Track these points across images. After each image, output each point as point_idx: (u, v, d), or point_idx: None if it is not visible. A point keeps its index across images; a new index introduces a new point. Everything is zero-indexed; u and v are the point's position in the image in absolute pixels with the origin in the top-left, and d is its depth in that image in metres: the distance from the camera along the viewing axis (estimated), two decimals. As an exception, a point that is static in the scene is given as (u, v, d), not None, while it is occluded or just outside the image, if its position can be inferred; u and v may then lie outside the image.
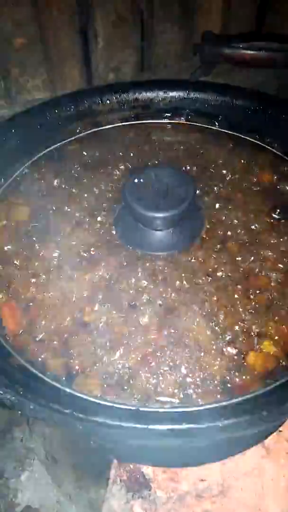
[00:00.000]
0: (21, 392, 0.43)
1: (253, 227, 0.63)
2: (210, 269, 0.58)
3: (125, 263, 0.59)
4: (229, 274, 0.58)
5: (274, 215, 0.64)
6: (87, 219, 0.65)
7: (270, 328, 0.53)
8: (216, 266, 0.58)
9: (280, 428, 0.76)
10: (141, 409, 0.46)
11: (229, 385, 0.49)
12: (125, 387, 0.49)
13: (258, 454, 0.73)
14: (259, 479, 0.72)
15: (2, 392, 0.43)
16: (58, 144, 0.76)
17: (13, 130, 0.72)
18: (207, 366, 0.50)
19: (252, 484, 0.72)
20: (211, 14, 1.06)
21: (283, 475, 0.73)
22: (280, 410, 0.41)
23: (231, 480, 0.71)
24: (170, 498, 0.69)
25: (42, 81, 0.99)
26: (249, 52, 0.82)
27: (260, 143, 0.76)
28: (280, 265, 0.59)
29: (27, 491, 0.86)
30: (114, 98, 0.79)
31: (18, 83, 0.97)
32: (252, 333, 0.53)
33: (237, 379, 0.49)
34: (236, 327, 0.53)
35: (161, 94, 0.80)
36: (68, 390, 0.48)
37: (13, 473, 0.88)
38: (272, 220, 0.64)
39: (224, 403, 0.46)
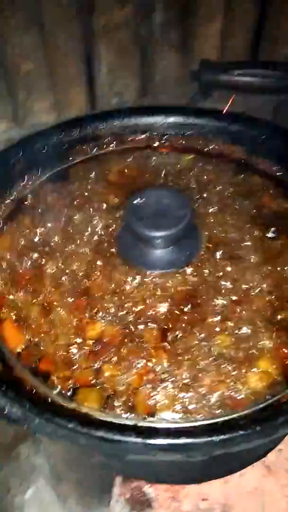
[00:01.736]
0: (27, 407, 0.44)
1: (249, 245, 0.64)
2: (208, 287, 0.60)
3: (125, 280, 0.61)
4: (227, 292, 0.59)
5: (268, 234, 0.66)
6: (89, 238, 0.67)
7: (268, 346, 0.55)
8: (214, 283, 0.60)
9: (281, 447, 0.75)
10: (141, 424, 0.47)
11: (227, 402, 0.50)
12: (126, 402, 0.50)
13: (259, 473, 0.73)
14: (260, 498, 0.72)
15: (9, 407, 0.44)
16: (62, 166, 0.79)
17: (20, 153, 0.75)
18: (206, 383, 0.51)
19: (254, 504, 0.71)
20: (209, 41, 1.10)
21: (285, 495, 0.73)
22: (273, 425, 0.43)
23: (233, 499, 0.71)
24: (172, 518, 0.69)
25: (49, 104, 1.03)
26: (244, 78, 0.86)
27: (255, 166, 0.78)
28: (276, 282, 0.60)
29: (32, 508, 0.85)
30: (116, 122, 0.83)
31: (25, 106, 1.01)
32: (250, 351, 0.54)
33: (234, 396, 0.50)
34: (234, 345, 0.54)
35: (160, 119, 0.83)
36: (71, 405, 0.49)
37: (19, 490, 0.88)
38: (267, 238, 0.65)
39: (222, 419, 0.47)
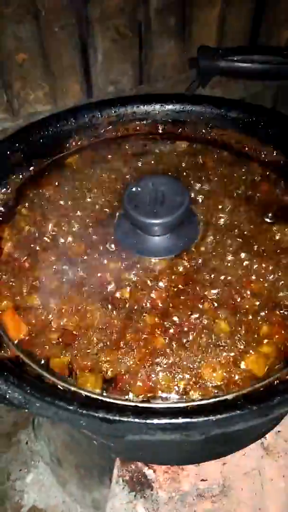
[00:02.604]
0: (28, 391, 0.46)
1: (246, 230, 0.65)
2: (205, 272, 0.61)
3: (124, 267, 0.61)
4: (224, 277, 0.60)
5: (266, 219, 0.67)
6: (88, 226, 0.67)
7: (265, 329, 0.56)
8: (211, 269, 0.61)
9: (279, 429, 0.77)
10: (140, 405, 0.49)
11: (224, 383, 0.51)
12: (126, 385, 0.51)
13: (257, 454, 0.75)
14: (258, 479, 0.74)
15: (11, 392, 0.45)
16: (60, 155, 0.80)
17: (16, 144, 0.75)
18: (204, 365, 0.53)
19: (252, 484, 0.73)
20: (207, 27, 1.09)
21: (282, 475, 0.75)
22: (268, 405, 0.44)
23: (231, 480, 0.72)
24: (171, 498, 0.71)
25: (44, 94, 1.02)
26: (243, 65, 0.85)
27: (253, 152, 0.79)
28: (274, 267, 0.61)
29: (33, 492, 0.88)
30: (113, 111, 0.83)
31: (20, 96, 1.00)
32: (248, 334, 0.55)
33: (231, 377, 0.51)
34: (233, 328, 0.56)
35: (158, 107, 0.84)
36: (72, 388, 0.50)
37: (19, 475, 0.90)
38: (264, 224, 0.66)
39: (219, 399, 0.48)
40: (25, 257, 0.64)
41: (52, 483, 0.88)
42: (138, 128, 0.84)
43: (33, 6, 0.89)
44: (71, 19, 0.94)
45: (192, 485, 0.71)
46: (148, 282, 0.60)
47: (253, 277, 0.60)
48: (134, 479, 0.71)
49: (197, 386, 0.51)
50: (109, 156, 0.79)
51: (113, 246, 0.64)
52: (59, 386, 0.50)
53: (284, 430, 0.77)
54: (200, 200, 0.70)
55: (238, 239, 0.64)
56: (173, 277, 0.60)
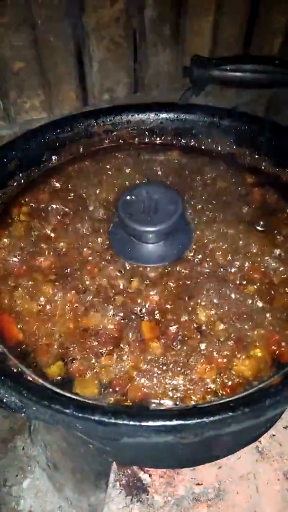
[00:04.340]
0: (25, 395, 0.46)
1: (237, 238, 0.66)
2: (198, 279, 0.62)
3: (119, 274, 0.63)
4: (217, 283, 0.61)
5: (257, 227, 0.68)
6: (83, 234, 0.68)
7: (257, 334, 0.57)
8: (204, 275, 0.62)
9: (273, 432, 0.78)
10: (135, 407, 0.49)
11: (217, 386, 0.52)
12: (122, 388, 0.52)
13: (252, 458, 0.75)
14: (254, 482, 0.74)
15: (8, 395, 0.46)
16: (55, 163, 0.81)
17: (13, 152, 0.76)
18: (198, 369, 0.54)
19: (247, 488, 0.74)
20: (201, 36, 1.11)
21: (277, 479, 0.75)
22: (260, 407, 0.45)
23: (226, 484, 0.73)
24: (167, 502, 0.71)
25: (40, 102, 1.03)
26: (235, 74, 0.87)
27: (244, 161, 0.80)
28: (264, 273, 0.62)
29: (29, 498, 0.88)
30: (108, 120, 0.84)
31: (17, 104, 1.01)
32: (241, 339, 0.56)
33: (225, 381, 0.52)
34: (226, 332, 0.57)
35: (152, 116, 0.85)
36: (68, 391, 0.51)
37: (16, 481, 0.90)
38: (255, 232, 0.67)
39: (212, 402, 0.49)
40: (21, 263, 0.65)
41: (48, 488, 0.88)
42: (132, 136, 0.86)
43: (29, 15, 0.91)
44: (67, 28, 0.96)
45: (187, 489, 0.72)
46: (142, 288, 0.61)
47: (245, 283, 0.61)
48: (130, 483, 0.72)
49: (191, 389, 0.51)
50: (104, 164, 0.80)
51: (107, 253, 0.65)
52: (55, 390, 0.51)
53: (278, 434, 0.77)
54: (193, 208, 0.71)
55: (230, 246, 0.65)
56: (166, 283, 0.61)
